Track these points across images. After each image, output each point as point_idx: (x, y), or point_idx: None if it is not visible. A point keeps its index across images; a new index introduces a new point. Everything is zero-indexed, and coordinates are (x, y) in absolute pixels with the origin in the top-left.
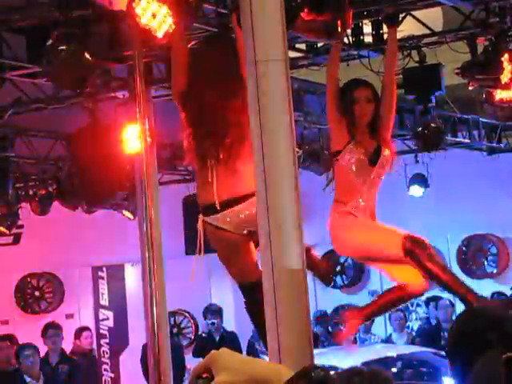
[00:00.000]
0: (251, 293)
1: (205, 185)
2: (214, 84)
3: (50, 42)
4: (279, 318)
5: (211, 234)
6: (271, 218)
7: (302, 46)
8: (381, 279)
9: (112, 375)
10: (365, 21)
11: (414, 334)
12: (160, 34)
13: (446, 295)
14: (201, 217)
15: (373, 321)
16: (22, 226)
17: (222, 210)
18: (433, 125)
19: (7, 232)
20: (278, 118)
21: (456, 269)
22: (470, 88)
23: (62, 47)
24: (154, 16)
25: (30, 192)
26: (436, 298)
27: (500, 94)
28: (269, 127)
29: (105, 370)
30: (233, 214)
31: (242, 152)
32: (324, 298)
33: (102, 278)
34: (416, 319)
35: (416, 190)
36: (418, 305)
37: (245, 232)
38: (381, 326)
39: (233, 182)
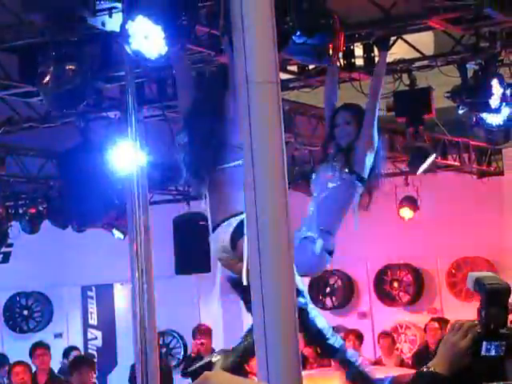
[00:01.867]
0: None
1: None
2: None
3: (42, 62)
4: (268, 340)
5: None
6: (261, 238)
7: (294, 68)
8: (370, 301)
9: None
10: (356, 44)
11: (403, 356)
12: (152, 56)
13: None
14: None
15: (362, 342)
16: (11, 245)
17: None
18: (423, 147)
19: None
20: (269, 140)
21: (446, 292)
22: (460, 112)
23: (54, 67)
24: (146, 37)
25: (20, 210)
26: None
27: (489, 118)
28: (260, 148)
29: None
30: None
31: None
32: None
33: (91, 298)
34: (405, 341)
35: (406, 213)
36: (406, 327)
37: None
38: (370, 347)
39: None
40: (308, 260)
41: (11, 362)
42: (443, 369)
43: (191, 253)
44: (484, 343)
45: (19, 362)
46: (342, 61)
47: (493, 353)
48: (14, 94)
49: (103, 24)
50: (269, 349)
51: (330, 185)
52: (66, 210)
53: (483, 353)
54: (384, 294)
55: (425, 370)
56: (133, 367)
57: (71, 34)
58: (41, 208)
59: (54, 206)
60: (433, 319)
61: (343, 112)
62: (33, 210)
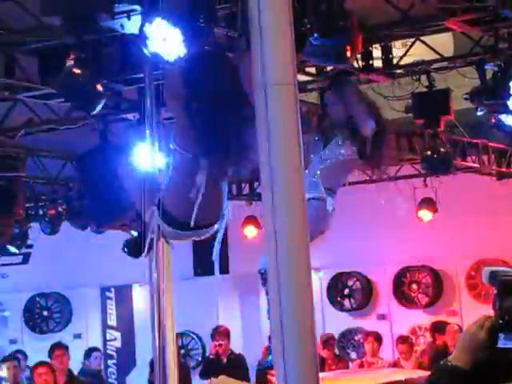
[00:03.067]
0: None
1: None
2: None
3: (62, 64)
4: (286, 342)
5: None
6: (278, 242)
7: (312, 70)
8: (389, 303)
9: None
10: (374, 45)
11: (420, 359)
12: (171, 58)
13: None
14: None
15: (381, 344)
16: (31, 246)
17: None
18: (442, 149)
19: (17, 252)
20: (287, 142)
21: (465, 294)
22: (479, 113)
23: (74, 69)
24: (164, 39)
25: (40, 212)
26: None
27: (508, 120)
28: (276, 151)
29: None
30: None
31: None
32: (331, 322)
33: (110, 299)
34: (424, 343)
35: (425, 214)
36: (425, 329)
37: None
38: (388, 349)
39: None
40: (323, 218)
41: (31, 362)
42: (463, 362)
43: (210, 254)
44: (500, 335)
45: (42, 363)
46: (360, 62)
47: (510, 345)
48: (33, 95)
49: (122, 27)
50: (286, 350)
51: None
52: (85, 212)
53: (500, 345)
54: (403, 296)
55: (444, 363)
56: (151, 366)
57: (90, 37)
58: (60, 209)
59: (73, 208)
60: (436, 323)
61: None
62: (52, 212)
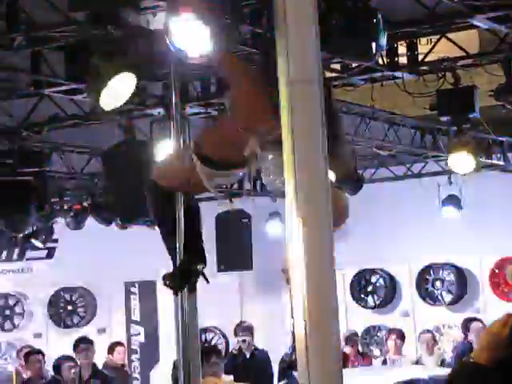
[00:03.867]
0: None
1: None
2: None
3: (87, 59)
4: (308, 338)
5: None
6: (301, 237)
7: (337, 66)
8: (412, 300)
9: None
10: (399, 42)
11: (445, 355)
12: (196, 54)
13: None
14: None
15: (404, 341)
16: (56, 241)
17: None
18: (466, 146)
19: (42, 246)
20: (312, 139)
21: (489, 292)
22: (504, 110)
23: (99, 64)
24: (190, 36)
25: (65, 207)
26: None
27: None
28: (302, 148)
29: None
30: None
31: None
32: (355, 318)
33: (134, 294)
34: (448, 340)
35: (449, 212)
36: (449, 326)
37: None
38: (411, 346)
39: None
40: None
41: (55, 356)
42: (484, 359)
43: (233, 250)
44: None
45: (68, 358)
46: (385, 59)
47: None
48: (59, 91)
49: (147, 22)
50: (309, 348)
51: None
52: (109, 207)
53: None
54: (426, 294)
55: (466, 360)
56: (175, 363)
57: (115, 32)
58: (85, 204)
59: (98, 203)
60: (469, 319)
61: None
62: (77, 207)
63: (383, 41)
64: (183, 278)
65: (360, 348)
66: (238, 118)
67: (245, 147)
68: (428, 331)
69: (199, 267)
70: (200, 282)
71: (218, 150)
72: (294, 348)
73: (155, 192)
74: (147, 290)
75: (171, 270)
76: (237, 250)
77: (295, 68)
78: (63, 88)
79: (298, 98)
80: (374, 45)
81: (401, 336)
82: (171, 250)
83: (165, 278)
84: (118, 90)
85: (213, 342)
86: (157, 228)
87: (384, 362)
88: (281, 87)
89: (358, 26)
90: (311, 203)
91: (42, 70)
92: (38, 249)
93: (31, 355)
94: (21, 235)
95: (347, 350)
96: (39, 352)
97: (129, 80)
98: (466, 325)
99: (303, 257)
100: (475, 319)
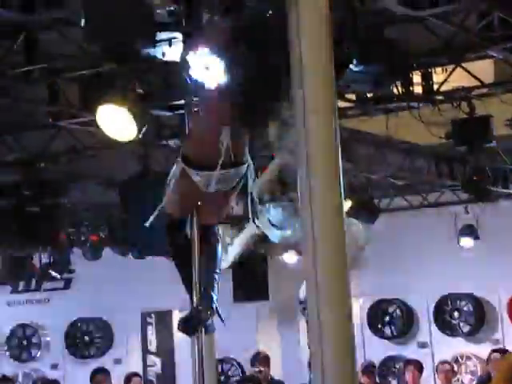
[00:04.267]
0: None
1: None
2: None
3: (103, 91)
4: (325, 368)
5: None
6: (318, 268)
7: (352, 96)
8: (430, 331)
9: None
10: (415, 71)
11: None
12: (212, 86)
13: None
14: None
15: (421, 373)
16: (73, 271)
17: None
18: (483, 176)
19: (59, 277)
20: (326, 168)
21: (507, 322)
22: None
23: (116, 96)
24: (206, 68)
25: (82, 237)
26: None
27: None
28: (317, 177)
29: None
30: None
31: None
32: (372, 349)
33: (151, 324)
34: (466, 372)
35: (466, 242)
36: (467, 357)
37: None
38: (430, 378)
39: None
40: None
41: None
42: None
43: (249, 280)
44: None
45: None
46: (400, 88)
47: None
48: (76, 122)
49: (163, 54)
50: (326, 378)
51: None
52: (126, 238)
53: None
54: (444, 324)
55: None
56: None
57: (131, 65)
58: (102, 235)
59: (114, 233)
60: (495, 350)
61: None
62: (94, 237)
63: (397, 70)
64: (193, 325)
65: (377, 379)
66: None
67: (217, 140)
68: (446, 362)
69: (207, 315)
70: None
71: (196, 150)
72: (310, 379)
73: (168, 223)
74: (164, 320)
75: (185, 315)
76: (253, 279)
77: (310, 99)
78: (80, 119)
79: (313, 127)
80: (388, 74)
81: (419, 367)
82: (185, 281)
83: (179, 323)
84: (132, 121)
85: (229, 373)
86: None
87: None
88: (296, 118)
89: (372, 56)
90: (326, 232)
91: (59, 102)
92: (55, 279)
93: None
94: (38, 266)
95: (364, 380)
96: (55, 383)
97: (142, 112)
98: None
99: (319, 288)
100: (499, 350)
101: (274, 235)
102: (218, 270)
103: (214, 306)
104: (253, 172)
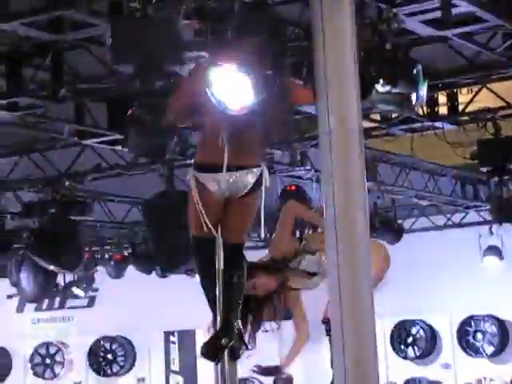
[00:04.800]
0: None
1: None
2: None
3: (130, 111)
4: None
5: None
6: (343, 290)
7: (377, 117)
8: (453, 352)
9: None
10: (440, 92)
11: None
12: (236, 106)
13: None
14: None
15: None
16: (96, 290)
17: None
18: (508, 197)
19: (83, 295)
20: (352, 188)
21: None
22: None
23: (142, 116)
24: (231, 87)
25: (106, 256)
26: None
27: None
28: (342, 197)
29: None
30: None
31: None
32: (395, 370)
33: (174, 343)
34: None
35: (491, 262)
36: (491, 379)
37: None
38: None
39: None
40: None
41: None
42: None
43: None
44: None
45: None
46: (425, 109)
47: None
48: (102, 141)
49: (190, 73)
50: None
51: None
52: (150, 256)
53: None
54: (467, 345)
55: None
56: None
57: (160, 84)
58: (126, 253)
59: (138, 252)
60: None
61: None
62: (118, 256)
63: (423, 92)
64: (212, 352)
65: None
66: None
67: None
68: None
69: (226, 342)
70: None
71: (205, 156)
72: None
73: (193, 242)
74: (187, 339)
75: (206, 340)
76: None
77: (335, 118)
78: (105, 139)
79: (339, 147)
80: (414, 96)
81: None
82: (211, 303)
83: (201, 348)
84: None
85: None
86: (197, 277)
87: None
88: (320, 137)
89: (397, 77)
90: (350, 252)
91: (85, 121)
92: (78, 297)
93: None
94: (62, 284)
95: None
96: None
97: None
98: None
99: (343, 308)
100: None
101: (313, 283)
102: (242, 293)
103: (235, 332)
104: (267, 177)
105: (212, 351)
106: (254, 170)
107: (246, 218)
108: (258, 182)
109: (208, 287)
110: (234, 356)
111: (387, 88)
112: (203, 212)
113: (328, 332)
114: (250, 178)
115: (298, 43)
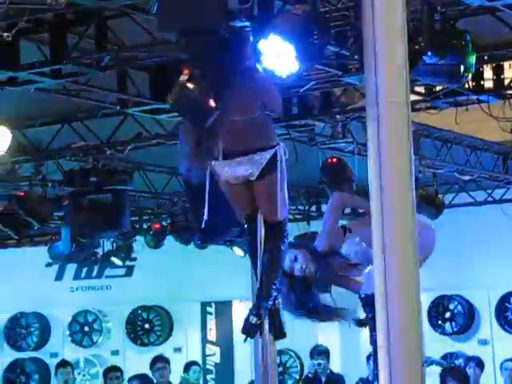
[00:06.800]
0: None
1: None
2: None
3: (173, 79)
4: (392, 364)
5: None
6: (387, 261)
7: (421, 89)
8: (491, 328)
9: None
10: (486, 65)
11: None
12: (283, 74)
13: None
14: None
15: (482, 370)
16: (135, 259)
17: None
18: None
19: (121, 264)
20: (398, 160)
21: None
22: None
23: (187, 84)
24: (278, 55)
25: (145, 226)
26: None
27: None
28: (388, 169)
29: None
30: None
31: None
32: (432, 345)
33: (211, 314)
34: None
35: None
36: None
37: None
38: (491, 376)
39: None
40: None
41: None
42: None
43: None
44: None
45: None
46: (470, 83)
47: None
48: (143, 110)
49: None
50: (392, 368)
51: None
52: (189, 227)
53: None
54: (506, 322)
55: None
56: None
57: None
58: (164, 224)
59: (177, 222)
60: None
61: None
62: (157, 226)
63: (472, 63)
64: (247, 330)
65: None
66: None
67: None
68: (510, 360)
69: (255, 321)
70: None
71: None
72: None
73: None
74: (223, 310)
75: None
76: None
77: (383, 89)
78: (147, 107)
79: (386, 118)
80: (462, 67)
81: (480, 364)
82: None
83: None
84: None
85: (287, 365)
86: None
87: None
88: (368, 108)
89: (446, 48)
90: (396, 229)
91: (127, 90)
92: (117, 267)
93: (110, 372)
94: (101, 252)
95: None
96: (117, 369)
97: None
98: None
99: (388, 282)
100: None
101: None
102: (277, 272)
103: (267, 310)
104: (283, 156)
105: (244, 329)
106: (263, 152)
107: (268, 199)
108: (272, 163)
109: (254, 266)
110: (273, 335)
111: (435, 59)
112: (229, 197)
113: (364, 308)
114: (260, 160)
115: (346, 13)
